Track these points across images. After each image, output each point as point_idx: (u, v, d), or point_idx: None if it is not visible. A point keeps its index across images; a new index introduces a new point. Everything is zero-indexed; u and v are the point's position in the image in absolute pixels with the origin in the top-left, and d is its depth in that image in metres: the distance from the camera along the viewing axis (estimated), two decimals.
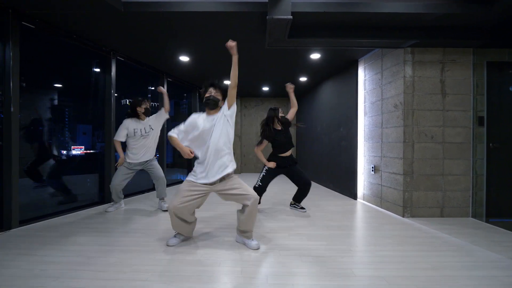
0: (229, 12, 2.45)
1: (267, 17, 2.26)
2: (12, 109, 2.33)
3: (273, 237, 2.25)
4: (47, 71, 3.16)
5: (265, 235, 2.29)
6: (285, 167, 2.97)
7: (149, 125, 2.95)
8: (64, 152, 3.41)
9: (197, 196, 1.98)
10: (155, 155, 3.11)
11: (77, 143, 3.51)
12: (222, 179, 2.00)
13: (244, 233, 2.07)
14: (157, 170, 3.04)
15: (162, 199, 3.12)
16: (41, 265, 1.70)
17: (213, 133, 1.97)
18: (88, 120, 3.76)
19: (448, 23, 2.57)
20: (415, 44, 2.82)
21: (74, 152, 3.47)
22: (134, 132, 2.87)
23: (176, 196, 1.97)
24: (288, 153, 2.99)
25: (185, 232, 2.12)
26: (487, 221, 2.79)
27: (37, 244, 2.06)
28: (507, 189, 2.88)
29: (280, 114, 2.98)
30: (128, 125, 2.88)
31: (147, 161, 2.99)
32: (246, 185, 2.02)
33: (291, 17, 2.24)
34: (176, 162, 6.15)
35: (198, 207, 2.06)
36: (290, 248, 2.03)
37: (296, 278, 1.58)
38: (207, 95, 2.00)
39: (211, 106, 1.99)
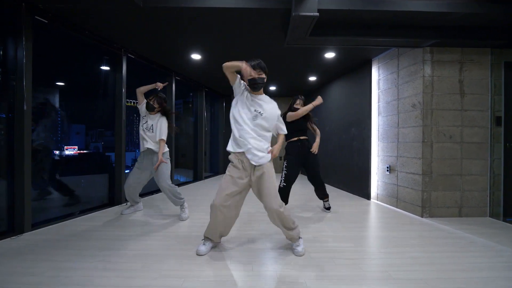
0: (251, 9, 2.38)
1: (292, 14, 2.20)
2: (25, 107, 2.23)
3: None
4: (52, 67, 3.03)
5: None
6: (304, 152, 2.84)
7: (151, 125, 2.71)
8: (57, 152, 3.25)
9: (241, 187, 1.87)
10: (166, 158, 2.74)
11: (70, 143, 3.39)
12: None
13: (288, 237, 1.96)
14: (159, 176, 2.67)
15: (181, 206, 2.81)
16: (65, 272, 1.62)
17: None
18: (81, 119, 3.61)
19: (468, 23, 2.56)
20: (434, 44, 2.81)
21: (67, 152, 3.34)
22: (142, 116, 2.75)
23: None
24: (304, 136, 2.89)
25: (221, 234, 2.00)
26: (504, 221, 2.80)
27: (55, 249, 1.97)
28: None
29: (297, 106, 2.89)
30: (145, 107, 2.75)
31: (148, 149, 2.71)
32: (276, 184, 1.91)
33: (317, 14, 2.19)
34: (179, 162, 6.02)
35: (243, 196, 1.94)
36: (320, 250, 1.98)
37: (337, 282, 1.54)
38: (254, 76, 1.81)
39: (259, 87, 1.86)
